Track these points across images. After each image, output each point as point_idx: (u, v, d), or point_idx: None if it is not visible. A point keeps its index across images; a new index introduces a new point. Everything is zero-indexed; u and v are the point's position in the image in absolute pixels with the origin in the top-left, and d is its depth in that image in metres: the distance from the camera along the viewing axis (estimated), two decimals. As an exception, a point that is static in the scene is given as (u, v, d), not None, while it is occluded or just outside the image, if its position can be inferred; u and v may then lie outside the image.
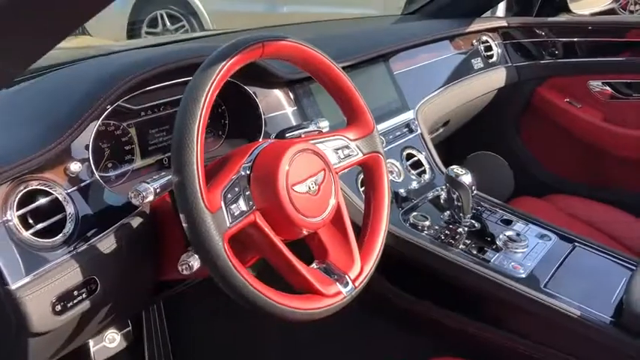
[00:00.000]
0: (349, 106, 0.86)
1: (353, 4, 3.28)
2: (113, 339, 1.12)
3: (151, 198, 0.69)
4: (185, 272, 0.70)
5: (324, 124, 0.92)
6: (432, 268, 1.00)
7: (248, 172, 0.72)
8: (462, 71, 1.51)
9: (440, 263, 0.99)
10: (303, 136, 0.88)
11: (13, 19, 0.46)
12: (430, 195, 1.16)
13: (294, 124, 1.02)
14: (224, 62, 0.68)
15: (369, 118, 0.87)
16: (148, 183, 0.70)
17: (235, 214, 0.68)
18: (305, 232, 0.75)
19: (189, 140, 0.64)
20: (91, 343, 1.07)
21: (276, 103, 1.03)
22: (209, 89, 0.67)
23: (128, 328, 1.14)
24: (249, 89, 0.98)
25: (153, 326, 1.21)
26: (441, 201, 1.14)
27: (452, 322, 1.01)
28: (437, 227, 1.06)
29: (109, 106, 0.78)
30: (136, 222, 0.77)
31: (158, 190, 0.70)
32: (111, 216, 0.76)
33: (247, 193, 0.70)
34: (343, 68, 0.85)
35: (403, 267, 1.04)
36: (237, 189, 0.69)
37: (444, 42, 1.51)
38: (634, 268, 0.97)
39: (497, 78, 1.64)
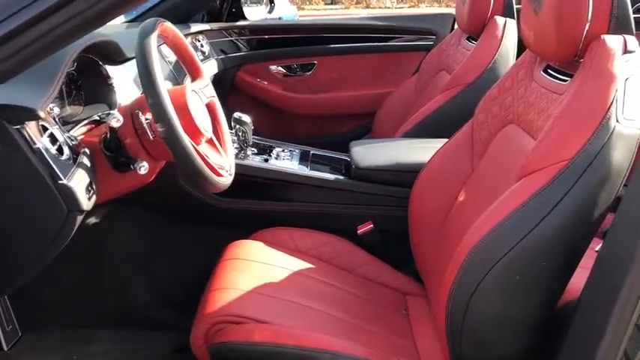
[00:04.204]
0: (194, 68, 1.35)
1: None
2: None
3: (118, 124, 1.08)
4: (142, 172, 1.12)
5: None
6: (240, 174, 1.57)
7: None
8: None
9: (243, 169, 1.57)
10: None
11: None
12: None
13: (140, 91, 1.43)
14: (154, 27, 1.11)
15: (206, 75, 1.38)
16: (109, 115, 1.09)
17: None
18: (203, 139, 1.23)
19: (151, 70, 1.05)
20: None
21: (126, 76, 1.42)
22: (151, 39, 1.08)
23: None
24: (104, 66, 1.35)
25: None
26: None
27: (259, 207, 1.61)
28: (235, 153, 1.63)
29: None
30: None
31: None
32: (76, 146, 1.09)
33: None
34: None
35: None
36: None
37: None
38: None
39: (210, 67, 2.26)
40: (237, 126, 1.62)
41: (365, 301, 1.42)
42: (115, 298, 1.54)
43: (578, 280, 1.09)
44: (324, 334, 1.19)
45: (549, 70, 1.22)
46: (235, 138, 1.65)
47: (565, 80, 1.15)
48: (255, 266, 1.38)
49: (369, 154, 1.68)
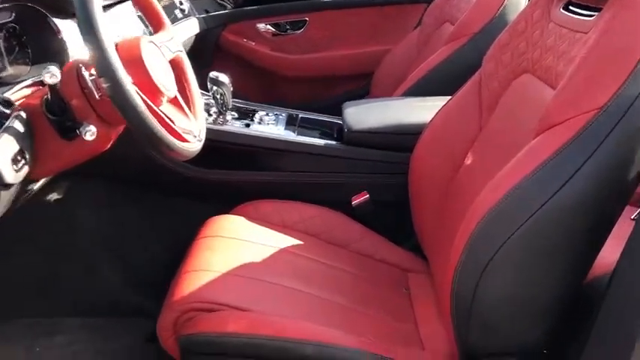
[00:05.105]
0: (154, 17, 1.17)
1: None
2: None
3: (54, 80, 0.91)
4: (89, 137, 0.94)
5: None
6: (218, 141, 1.40)
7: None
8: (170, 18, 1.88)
9: (221, 135, 1.39)
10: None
11: None
12: None
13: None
14: None
15: (170, 28, 1.20)
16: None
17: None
18: (164, 99, 1.06)
19: (90, 12, 0.87)
20: None
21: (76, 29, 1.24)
22: None
23: None
24: (52, 19, 1.17)
25: None
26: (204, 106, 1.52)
27: (240, 178, 1.44)
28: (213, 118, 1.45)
29: None
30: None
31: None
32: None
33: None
34: None
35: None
36: None
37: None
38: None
39: (191, 26, 2.07)
40: (215, 87, 1.45)
41: (360, 280, 1.26)
42: (82, 283, 1.39)
43: (610, 252, 0.92)
44: (311, 321, 1.03)
45: (571, 7, 1.04)
46: (213, 101, 1.48)
47: (591, 16, 0.97)
48: (234, 244, 1.22)
49: (364, 115, 1.50)
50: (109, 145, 1.08)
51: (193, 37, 2.08)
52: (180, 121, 1.11)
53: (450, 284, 0.92)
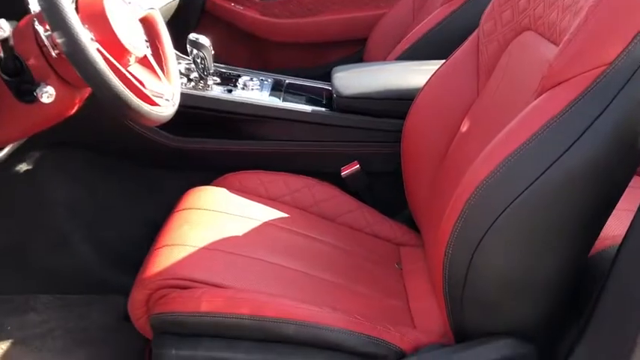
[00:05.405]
0: None
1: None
2: None
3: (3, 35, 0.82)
4: (46, 99, 0.86)
5: None
6: (198, 108, 1.31)
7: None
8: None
9: (202, 101, 1.30)
10: None
11: None
12: None
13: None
14: None
15: None
16: None
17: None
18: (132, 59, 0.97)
19: None
20: None
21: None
22: None
23: None
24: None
25: None
26: (184, 71, 1.43)
27: (222, 147, 1.35)
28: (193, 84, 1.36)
29: None
30: None
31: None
32: None
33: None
34: None
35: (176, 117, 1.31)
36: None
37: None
38: None
39: (175, -11, 1.96)
40: (195, 51, 1.35)
41: (350, 255, 1.18)
42: (54, 259, 1.32)
43: (617, 224, 0.84)
44: (294, 298, 0.96)
45: (578, -46, 0.94)
46: (194, 66, 1.38)
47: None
48: (213, 217, 1.14)
49: (355, 80, 1.40)
50: (74, 110, 1.00)
51: (178, 0, 1.97)
52: (151, 83, 1.02)
53: (442, 261, 0.85)
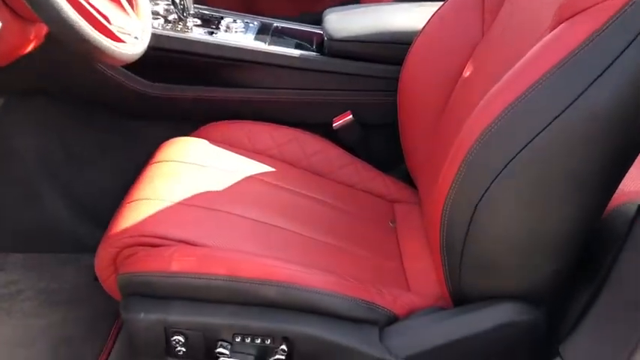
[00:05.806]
0: None
1: None
2: None
3: None
4: None
5: None
6: (175, 52, 1.19)
7: None
8: None
9: (180, 43, 1.19)
10: None
11: None
12: None
13: None
14: None
15: None
16: None
17: None
18: None
19: None
20: None
21: None
22: None
23: None
24: None
25: None
26: (162, 12, 1.31)
27: (203, 95, 1.25)
28: (171, 25, 1.24)
29: None
30: None
31: None
32: None
33: None
34: None
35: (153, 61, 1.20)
36: None
37: None
38: None
39: None
40: (172, -13, 1.23)
41: (340, 213, 1.10)
42: (23, 215, 1.23)
43: (635, 179, 0.75)
44: (278, 258, 0.87)
45: None
46: (172, 6, 1.26)
47: None
48: (191, 170, 1.05)
49: (348, 22, 1.29)
50: (28, 48, 0.90)
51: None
52: (117, 19, 0.92)
53: (440, 218, 0.76)
